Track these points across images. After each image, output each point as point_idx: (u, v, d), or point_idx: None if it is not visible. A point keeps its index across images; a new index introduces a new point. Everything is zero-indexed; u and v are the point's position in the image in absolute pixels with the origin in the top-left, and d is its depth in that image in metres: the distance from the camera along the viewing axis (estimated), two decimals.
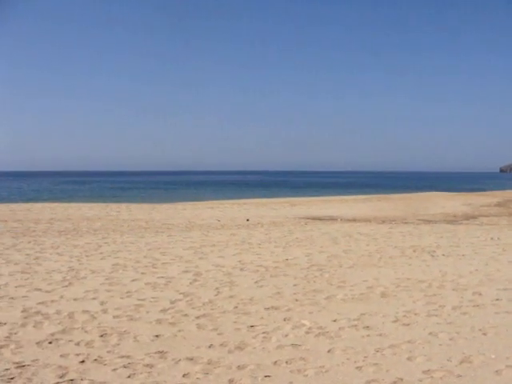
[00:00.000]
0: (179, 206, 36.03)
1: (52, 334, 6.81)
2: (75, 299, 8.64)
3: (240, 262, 12.14)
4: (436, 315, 7.76)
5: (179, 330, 7.06)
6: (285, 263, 11.95)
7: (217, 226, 21.07)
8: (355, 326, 7.27)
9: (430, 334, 6.89)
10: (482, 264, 11.87)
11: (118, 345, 6.47)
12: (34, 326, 7.15)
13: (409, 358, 6.01)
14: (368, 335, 6.86)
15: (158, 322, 7.44)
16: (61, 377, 5.45)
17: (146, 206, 33.75)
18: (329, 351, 6.27)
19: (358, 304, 8.46)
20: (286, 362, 5.91)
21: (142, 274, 10.72)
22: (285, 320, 7.55)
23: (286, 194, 61.82)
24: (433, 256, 13.00)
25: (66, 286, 9.55)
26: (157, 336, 6.81)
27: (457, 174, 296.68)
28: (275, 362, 5.93)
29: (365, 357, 6.07)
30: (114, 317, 7.66)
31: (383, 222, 23.64)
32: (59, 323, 7.31)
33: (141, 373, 5.59)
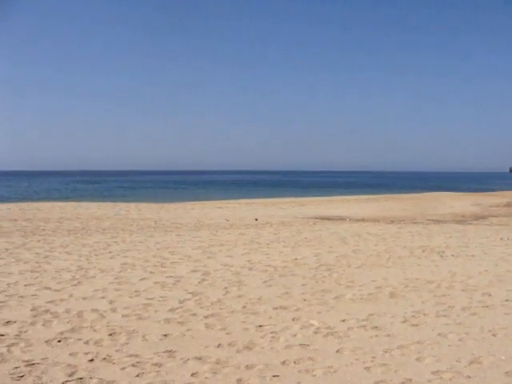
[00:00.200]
0: (188, 205, 36.07)
1: (61, 333, 6.84)
2: (84, 298, 8.67)
3: (249, 261, 12.14)
4: (445, 316, 7.73)
5: (188, 330, 7.07)
6: (293, 263, 11.95)
7: (225, 225, 21.08)
8: (364, 326, 7.26)
9: (439, 334, 6.87)
10: (491, 264, 11.83)
11: (127, 344, 6.49)
12: (43, 325, 7.18)
13: (417, 359, 5.99)
14: (376, 335, 6.85)
15: (167, 321, 7.45)
16: (70, 375, 5.47)
17: (154, 206, 33.82)
18: (337, 351, 6.26)
19: (366, 304, 8.45)
20: (295, 362, 5.90)
21: (151, 273, 10.74)
22: (293, 320, 7.54)
23: (294, 193, 61.71)
24: (442, 256, 12.96)
25: (75, 285, 9.58)
26: (165, 335, 6.82)
27: (465, 174, 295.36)
28: (283, 361, 5.93)
29: (373, 357, 6.06)
30: (123, 316, 7.67)
31: (392, 221, 23.58)
32: (68, 322, 7.33)
33: (149, 372, 5.60)
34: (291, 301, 8.62)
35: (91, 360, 5.91)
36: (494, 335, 6.84)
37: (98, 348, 6.31)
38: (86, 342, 6.50)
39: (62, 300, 8.51)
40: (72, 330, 6.96)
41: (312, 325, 7.30)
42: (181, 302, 8.52)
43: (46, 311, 7.84)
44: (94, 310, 7.93)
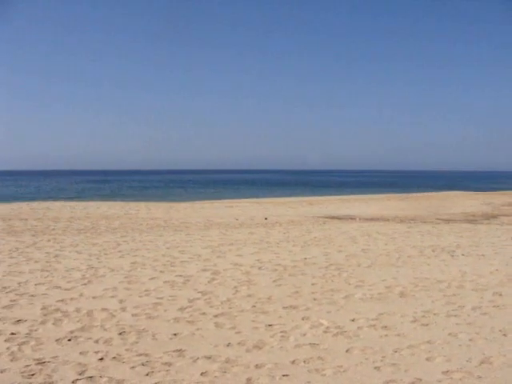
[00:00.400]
0: (197, 204, 36.11)
1: (71, 332, 6.87)
2: (94, 297, 8.69)
3: (258, 260, 12.14)
4: (455, 315, 7.70)
5: (197, 329, 7.07)
6: (303, 262, 11.93)
7: (235, 224, 21.08)
8: (373, 325, 7.25)
9: (450, 334, 6.84)
10: (502, 264, 11.77)
11: (137, 343, 6.51)
12: (53, 324, 7.21)
13: (428, 359, 5.97)
14: (386, 335, 6.83)
15: (176, 320, 7.46)
16: (80, 374, 5.49)
17: (164, 205, 33.86)
18: (347, 351, 6.25)
19: (376, 304, 8.43)
20: (304, 362, 5.90)
21: (161, 272, 10.76)
22: (303, 319, 7.54)
23: (304, 192, 61.62)
24: (452, 256, 12.91)
25: (85, 284, 9.61)
26: (175, 334, 6.83)
27: (476, 172, 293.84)
28: (293, 361, 5.92)
29: (383, 357, 6.04)
30: (133, 315, 7.69)
31: (402, 221, 23.51)
32: (78, 321, 7.36)
33: (159, 371, 5.61)
34: (301, 300, 8.62)
35: (101, 359, 5.93)
36: (504, 335, 6.81)
37: (108, 347, 6.33)
38: (96, 341, 6.52)
39: (72, 299, 8.54)
40: (82, 329, 6.99)
41: (322, 324, 7.30)
42: (190, 301, 8.53)
43: (57, 310, 7.87)
44: (104, 309, 7.95)
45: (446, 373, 5.56)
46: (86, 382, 5.31)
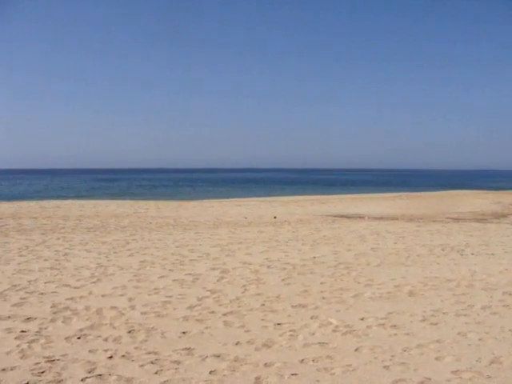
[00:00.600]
0: (206, 203, 36.17)
1: (81, 330, 6.89)
2: (103, 295, 8.72)
3: (267, 259, 12.14)
4: (465, 315, 7.68)
5: (206, 327, 7.08)
6: (312, 261, 11.92)
7: (244, 223, 21.09)
8: (383, 324, 7.23)
9: (459, 333, 6.82)
10: None
11: (146, 341, 6.52)
12: (63, 322, 7.23)
13: (437, 358, 5.95)
14: (395, 334, 6.82)
15: (185, 318, 7.47)
16: (89, 372, 5.51)
17: (173, 204, 33.92)
18: (356, 350, 6.24)
19: (385, 303, 8.41)
20: (313, 361, 5.89)
21: (170, 270, 10.78)
22: (312, 318, 7.53)
23: (312, 191, 61.56)
24: (462, 255, 12.86)
25: (95, 283, 9.64)
26: (184, 333, 6.84)
27: (485, 171, 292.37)
28: (302, 360, 5.92)
29: (392, 356, 6.03)
30: (142, 313, 7.71)
31: (411, 220, 23.45)
32: (88, 319, 7.38)
33: (168, 369, 5.62)
34: (310, 299, 8.61)
35: (110, 357, 5.95)
36: None
37: (117, 345, 6.35)
38: (106, 339, 6.54)
39: (81, 297, 8.57)
40: (91, 327, 7.01)
41: (331, 323, 7.29)
42: (199, 299, 8.54)
43: (66, 308, 7.90)
44: (113, 308, 7.97)
45: (455, 372, 5.54)
46: (95, 380, 5.33)
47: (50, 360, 5.81)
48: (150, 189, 70.76)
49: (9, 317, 7.40)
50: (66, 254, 12.50)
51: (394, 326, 7.14)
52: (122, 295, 8.76)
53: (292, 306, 8.14)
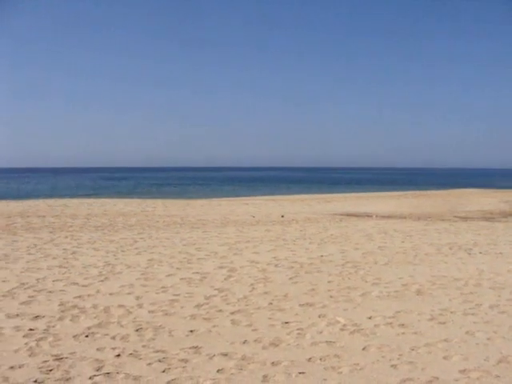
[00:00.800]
0: (214, 201, 36.19)
1: (88, 328, 6.91)
2: (111, 294, 8.74)
3: (275, 258, 12.14)
4: (473, 314, 7.65)
5: (214, 326, 7.09)
6: (319, 260, 11.92)
7: (252, 222, 21.10)
8: (390, 323, 7.22)
9: (467, 332, 6.80)
10: None
11: (153, 339, 6.53)
12: (70, 320, 7.26)
13: (445, 357, 5.94)
14: (403, 333, 6.80)
15: (193, 317, 7.48)
16: (97, 370, 5.53)
17: (180, 202, 33.97)
18: (363, 349, 6.24)
19: (393, 301, 8.39)
20: (321, 359, 5.89)
21: (177, 269, 10.79)
22: (319, 317, 7.52)
23: (320, 190, 61.47)
24: (469, 254, 12.82)
25: (102, 281, 9.66)
26: (191, 331, 6.85)
27: (494, 170, 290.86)
28: (309, 358, 5.92)
29: (400, 355, 6.02)
30: (150, 312, 7.73)
31: (419, 218, 23.39)
32: (95, 317, 7.40)
33: (175, 367, 5.63)
34: (317, 298, 8.61)
35: (118, 355, 5.96)
36: None
37: (125, 343, 6.37)
38: (113, 338, 6.56)
39: (89, 295, 8.60)
40: (99, 326, 7.03)
41: (338, 322, 7.28)
42: (207, 298, 8.55)
43: (74, 306, 7.93)
44: (121, 306, 7.99)
45: (463, 371, 5.53)
46: (103, 378, 5.34)
47: (58, 358, 5.83)
48: (157, 187, 70.85)
49: (17, 315, 7.43)
50: (74, 253, 12.54)
51: (402, 325, 7.13)
52: (129, 293, 8.78)
53: (299, 305, 8.14)
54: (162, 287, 9.24)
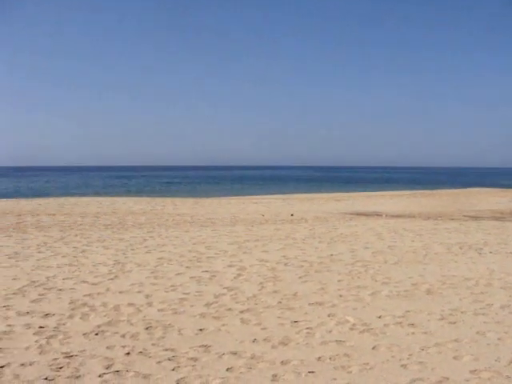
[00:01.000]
0: (223, 200, 36.21)
1: (98, 326, 6.93)
2: (121, 292, 8.76)
3: (284, 257, 12.13)
4: (483, 314, 7.62)
5: (223, 325, 7.09)
6: (329, 259, 11.89)
7: (261, 220, 21.09)
8: (400, 323, 7.20)
9: (478, 332, 6.77)
10: None
11: (163, 338, 6.54)
12: (80, 318, 7.28)
13: (455, 357, 5.91)
14: (413, 333, 6.78)
15: (202, 315, 7.49)
16: (107, 368, 5.54)
17: (190, 201, 34.02)
18: (373, 348, 6.22)
19: (402, 301, 8.37)
20: (330, 359, 5.88)
21: (187, 267, 10.80)
22: (329, 316, 7.51)
23: (329, 189, 61.39)
24: (480, 253, 12.76)
25: (112, 279, 9.69)
26: (201, 330, 6.86)
27: (504, 169, 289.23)
28: (319, 357, 5.91)
29: (410, 355, 6.00)
30: (159, 310, 7.74)
31: (428, 218, 23.30)
32: (105, 315, 7.42)
33: (185, 366, 5.63)
34: (327, 297, 8.59)
35: (128, 353, 5.98)
36: None
37: (135, 342, 6.38)
38: (123, 336, 6.57)
39: (99, 294, 8.62)
40: (109, 324, 7.05)
41: (348, 321, 7.27)
42: (216, 296, 8.55)
43: (84, 304, 7.95)
44: (131, 304, 8.01)
45: (473, 372, 5.50)
46: (112, 376, 5.36)
47: (68, 356, 5.85)
48: (166, 186, 70.98)
49: (27, 312, 7.47)
50: (83, 251, 12.58)
51: (412, 325, 7.10)
52: (139, 292, 8.80)
53: (309, 304, 8.13)
54: (172, 286, 9.25)
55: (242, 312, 7.68)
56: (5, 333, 6.59)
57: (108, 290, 8.91)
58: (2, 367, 5.50)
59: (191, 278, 9.89)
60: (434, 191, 52.31)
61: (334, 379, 5.34)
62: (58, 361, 5.70)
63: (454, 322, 7.21)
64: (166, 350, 6.12)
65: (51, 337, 6.47)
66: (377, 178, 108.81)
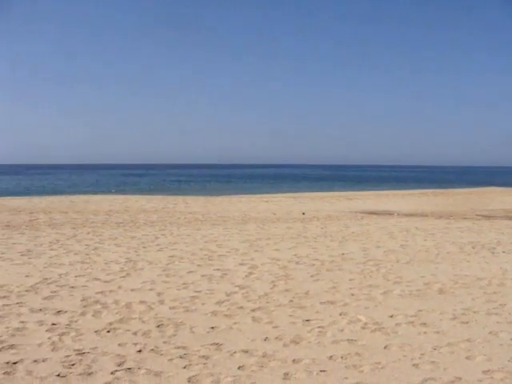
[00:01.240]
0: (234, 198, 36.22)
1: (110, 323, 6.95)
2: (133, 290, 8.78)
3: (296, 255, 12.12)
4: (496, 314, 7.57)
5: (235, 323, 7.09)
6: (341, 257, 11.87)
7: (272, 219, 21.08)
8: (412, 322, 7.17)
9: (490, 333, 6.73)
10: None
11: (175, 335, 6.55)
12: (92, 315, 7.31)
13: (468, 357, 5.88)
14: (425, 332, 6.75)
15: (214, 314, 7.49)
16: (119, 365, 5.56)
17: (201, 199, 34.06)
18: (385, 347, 6.20)
19: (415, 300, 8.34)
20: (342, 357, 5.86)
21: (198, 266, 10.81)
22: (340, 315, 7.50)
23: (341, 187, 61.23)
24: (493, 253, 12.69)
25: (124, 277, 9.72)
26: (212, 328, 6.86)
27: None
28: (330, 356, 5.89)
29: (422, 354, 5.98)
30: (171, 308, 7.75)
31: (441, 217, 23.20)
32: (117, 313, 7.44)
33: (196, 364, 5.64)
34: (338, 295, 8.57)
35: (139, 351, 5.99)
36: None
37: (147, 339, 6.40)
38: (135, 333, 6.59)
39: (111, 291, 8.65)
40: (121, 321, 7.07)
41: (359, 320, 7.25)
42: (228, 295, 8.56)
43: (96, 302, 7.98)
44: (143, 302, 8.03)
45: (486, 372, 5.47)
46: (124, 373, 5.37)
47: (81, 353, 5.88)
48: (177, 184, 71.10)
49: (40, 309, 7.51)
50: (95, 249, 12.62)
51: (424, 324, 7.07)
52: (151, 290, 8.82)
53: (320, 303, 8.11)
54: (183, 284, 9.26)
55: (253, 310, 7.68)
56: (18, 329, 6.63)
57: (120, 287, 8.94)
58: (15, 363, 5.53)
59: (203, 276, 9.91)
60: (447, 190, 52.05)
61: (346, 378, 5.33)
62: (70, 358, 5.72)
63: (467, 322, 7.18)
64: (178, 347, 6.13)
65: (63, 334, 6.50)
66: (385, 177, 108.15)
